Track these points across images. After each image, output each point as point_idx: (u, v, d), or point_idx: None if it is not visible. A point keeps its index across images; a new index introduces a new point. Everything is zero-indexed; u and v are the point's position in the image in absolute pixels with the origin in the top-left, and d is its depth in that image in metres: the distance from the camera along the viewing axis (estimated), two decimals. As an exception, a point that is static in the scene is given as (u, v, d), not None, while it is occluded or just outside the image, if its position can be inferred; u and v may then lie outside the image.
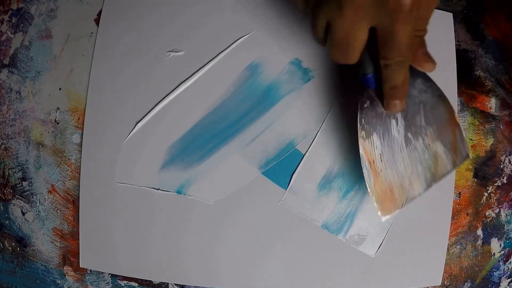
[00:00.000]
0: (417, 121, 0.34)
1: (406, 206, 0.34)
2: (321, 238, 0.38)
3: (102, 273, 0.38)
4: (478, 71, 0.41)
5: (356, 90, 0.34)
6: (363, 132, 0.33)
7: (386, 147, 0.34)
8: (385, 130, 0.34)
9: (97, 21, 0.39)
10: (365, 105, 0.33)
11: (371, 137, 0.34)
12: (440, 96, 0.33)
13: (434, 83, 0.33)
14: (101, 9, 0.39)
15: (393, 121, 0.34)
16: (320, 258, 0.38)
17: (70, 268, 0.38)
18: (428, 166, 0.34)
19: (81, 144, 0.38)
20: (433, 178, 0.34)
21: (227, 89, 0.38)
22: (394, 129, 0.34)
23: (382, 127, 0.34)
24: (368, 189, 0.33)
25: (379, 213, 0.33)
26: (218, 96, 0.38)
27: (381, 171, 0.34)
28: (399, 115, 0.34)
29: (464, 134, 0.34)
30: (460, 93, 0.40)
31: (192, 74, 0.38)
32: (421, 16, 0.27)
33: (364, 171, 0.33)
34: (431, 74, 0.34)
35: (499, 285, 0.40)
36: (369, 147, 0.33)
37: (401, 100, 0.32)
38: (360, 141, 0.33)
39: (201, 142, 0.38)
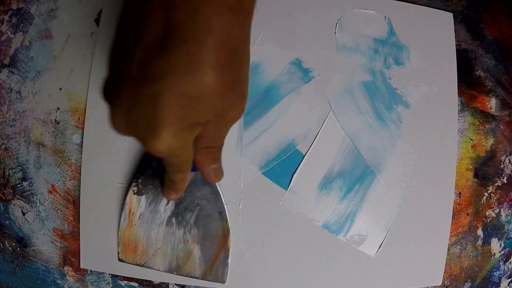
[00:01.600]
0: (187, 216, 0.35)
1: (146, 268, 0.36)
2: (321, 238, 0.38)
3: (103, 273, 0.38)
4: (478, 71, 0.41)
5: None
6: (136, 188, 0.36)
7: (148, 213, 0.36)
8: (155, 200, 0.35)
9: (97, 21, 0.39)
10: (150, 171, 0.36)
11: (140, 196, 0.36)
12: (221, 214, 0.36)
13: (220, 198, 0.36)
14: (101, 9, 0.39)
15: (165, 199, 0.35)
16: (320, 258, 0.38)
17: (71, 268, 0.38)
18: (177, 255, 0.36)
19: (82, 144, 0.38)
20: (177, 269, 0.36)
21: (228, 89, 0.38)
22: (162, 205, 0.35)
23: (154, 196, 0.35)
24: (119, 229, 0.36)
25: (117, 253, 0.36)
26: (219, 96, 0.38)
27: (135, 225, 0.36)
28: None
29: (229, 262, 0.36)
30: (460, 93, 0.40)
31: (193, 74, 0.38)
32: (208, 135, 0.27)
33: (122, 214, 0.36)
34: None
35: (499, 285, 0.40)
36: (135, 202, 0.36)
37: (176, 193, 0.33)
38: (130, 192, 0.36)
39: (201, 142, 0.38)
